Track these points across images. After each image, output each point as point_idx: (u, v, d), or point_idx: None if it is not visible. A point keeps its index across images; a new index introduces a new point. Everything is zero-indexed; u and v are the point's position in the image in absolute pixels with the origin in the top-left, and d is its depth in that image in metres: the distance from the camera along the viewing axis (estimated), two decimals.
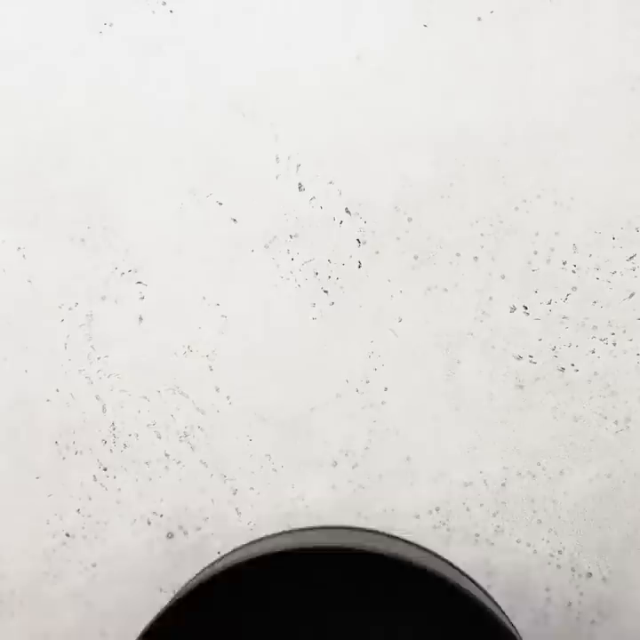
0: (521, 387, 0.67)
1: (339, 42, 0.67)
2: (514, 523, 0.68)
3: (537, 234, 0.66)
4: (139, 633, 0.66)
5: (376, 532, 0.68)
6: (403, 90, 0.67)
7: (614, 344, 0.66)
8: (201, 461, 0.68)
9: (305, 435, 0.68)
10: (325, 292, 0.66)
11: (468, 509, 0.66)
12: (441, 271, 0.66)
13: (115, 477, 0.66)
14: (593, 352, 0.66)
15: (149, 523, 0.66)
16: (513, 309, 0.66)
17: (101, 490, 0.66)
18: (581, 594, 0.68)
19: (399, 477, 0.68)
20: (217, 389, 0.68)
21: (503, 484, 0.68)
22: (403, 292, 0.66)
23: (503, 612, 0.62)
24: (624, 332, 0.66)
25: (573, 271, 0.66)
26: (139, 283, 0.67)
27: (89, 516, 0.66)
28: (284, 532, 0.68)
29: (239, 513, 0.69)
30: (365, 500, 0.68)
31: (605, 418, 0.67)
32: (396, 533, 0.68)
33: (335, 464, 0.68)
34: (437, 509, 0.68)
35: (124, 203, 0.62)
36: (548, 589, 0.66)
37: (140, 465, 0.66)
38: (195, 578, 0.63)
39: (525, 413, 0.67)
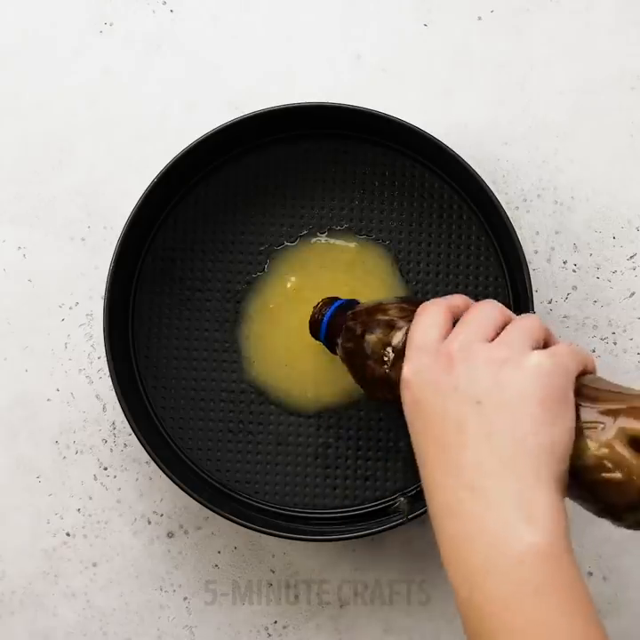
0: None
1: (339, 41, 0.67)
2: None
3: (537, 233, 0.67)
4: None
5: None
6: (403, 90, 0.67)
7: (615, 343, 0.66)
8: None
9: None
10: None
11: None
12: None
13: (115, 477, 0.66)
14: (593, 351, 0.66)
15: (149, 522, 0.66)
16: None
17: (102, 489, 0.66)
18: None
19: None
20: None
21: None
22: None
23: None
24: (624, 331, 0.66)
25: (574, 271, 0.67)
26: None
27: (89, 516, 0.66)
28: None
29: None
30: None
31: None
32: None
33: None
34: None
35: (125, 202, 0.62)
36: None
37: (141, 464, 0.66)
38: None
39: None
